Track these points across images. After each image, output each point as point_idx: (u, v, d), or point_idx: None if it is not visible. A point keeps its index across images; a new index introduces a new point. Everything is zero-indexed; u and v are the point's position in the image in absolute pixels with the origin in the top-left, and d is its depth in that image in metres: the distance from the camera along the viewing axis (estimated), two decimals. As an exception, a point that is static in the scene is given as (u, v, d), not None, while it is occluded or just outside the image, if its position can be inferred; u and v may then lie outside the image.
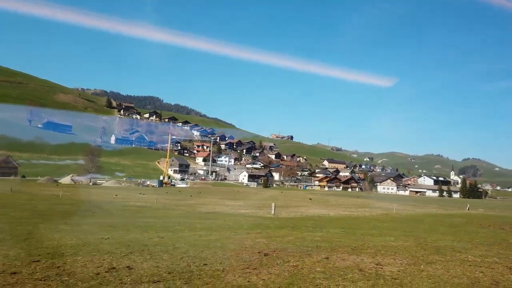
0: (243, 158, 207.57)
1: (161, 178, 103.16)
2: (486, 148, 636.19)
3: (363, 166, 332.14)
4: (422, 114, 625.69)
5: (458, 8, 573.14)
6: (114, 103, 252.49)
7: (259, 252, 10.69)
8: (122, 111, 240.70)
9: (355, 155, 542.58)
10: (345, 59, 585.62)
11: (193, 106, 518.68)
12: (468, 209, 43.72)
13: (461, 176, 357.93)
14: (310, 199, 55.98)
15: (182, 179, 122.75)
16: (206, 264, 8.59)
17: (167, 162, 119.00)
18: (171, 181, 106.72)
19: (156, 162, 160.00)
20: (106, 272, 7.58)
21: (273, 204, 28.20)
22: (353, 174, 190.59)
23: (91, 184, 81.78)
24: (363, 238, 14.84)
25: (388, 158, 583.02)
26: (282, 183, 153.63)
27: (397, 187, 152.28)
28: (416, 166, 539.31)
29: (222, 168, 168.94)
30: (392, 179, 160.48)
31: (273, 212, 26.60)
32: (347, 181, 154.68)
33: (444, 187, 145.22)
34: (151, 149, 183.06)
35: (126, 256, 9.19)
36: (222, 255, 9.84)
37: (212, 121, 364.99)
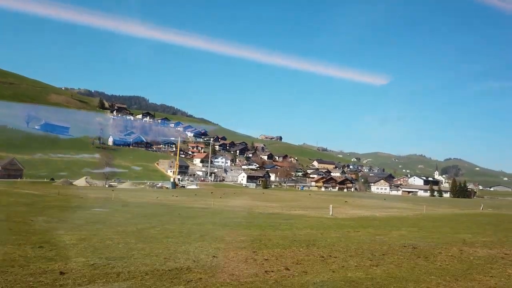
0: (237, 159, 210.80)
1: (172, 180, 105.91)
2: (466, 148, 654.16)
3: (351, 167, 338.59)
4: (404, 115, 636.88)
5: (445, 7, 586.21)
6: (106, 104, 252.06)
7: (404, 246, 14.40)
8: (115, 112, 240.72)
9: (340, 155, 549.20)
10: (335, 57, 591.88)
11: (179, 106, 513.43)
12: (482, 209, 48.34)
13: (443, 176, 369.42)
14: (345, 201, 59.66)
15: (192, 181, 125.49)
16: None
17: (177, 164, 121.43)
18: (180, 183, 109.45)
19: (155, 164, 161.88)
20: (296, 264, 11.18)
21: (331, 205, 31.91)
22: (345, 175, 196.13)
23: (107, 186, 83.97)
24: (453, 236, 18.66)
25: (373, 158, 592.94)
26: (280, 184, 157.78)
27: (390, 187, 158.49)
28: (400, 166, 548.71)
29: (219, 169, 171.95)
30: (384, 179, 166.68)
31: (331, 213, 30.23)
32: (342, 182, 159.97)
33: (435, 187, 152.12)
34: (148, 150, 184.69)
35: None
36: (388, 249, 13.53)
37: (200, 121, 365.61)
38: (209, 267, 9.22)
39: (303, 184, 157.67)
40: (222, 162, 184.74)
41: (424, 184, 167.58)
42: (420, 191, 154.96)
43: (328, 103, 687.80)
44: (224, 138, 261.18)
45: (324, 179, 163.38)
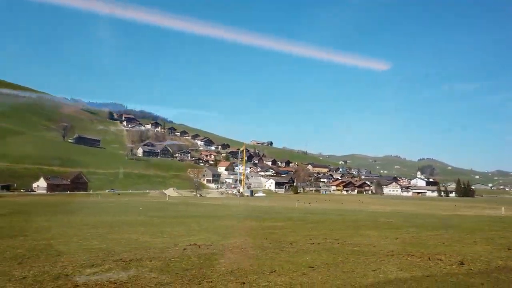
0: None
1: (249, 188, 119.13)
2: (437, 148, 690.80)
3: (340, 169, 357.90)
4: (377, 116, 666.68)
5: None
6: (115, 115, 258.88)
7: None
8: (125, 123, 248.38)
9: (321, 158, 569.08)
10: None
11: (159, 113, 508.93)
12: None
13: (423, 175, 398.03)
14: (455, 205, 74.91)
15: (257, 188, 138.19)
16: None
17: (243, 174, 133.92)
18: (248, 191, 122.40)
19: (188, 172, 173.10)
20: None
21: (503, 207, 47.31)
22: (355, 179, 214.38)
23: (198, 195, 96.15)
24: None
25: (351, 160, 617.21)
26: (303, 188, 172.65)
27: (401, 189, 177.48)
28: (377, 167, 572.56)
29: (239, 177, 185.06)
30: (396, 182, 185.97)
31: (503, 212, 45.30)
32: (361, 185, 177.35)
33: (442, 187, 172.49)
34: (174, 159, 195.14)
35: None
36: None
37: (182, 127, 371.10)
38: None
39: (325, 188, 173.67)
40: (242, 170, 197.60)
41: (426, 185, 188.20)
42: (428, 191, 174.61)
43: (301, 105, 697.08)
44: (227, 146, 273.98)
45: (344, 183, 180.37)
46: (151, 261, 10.44)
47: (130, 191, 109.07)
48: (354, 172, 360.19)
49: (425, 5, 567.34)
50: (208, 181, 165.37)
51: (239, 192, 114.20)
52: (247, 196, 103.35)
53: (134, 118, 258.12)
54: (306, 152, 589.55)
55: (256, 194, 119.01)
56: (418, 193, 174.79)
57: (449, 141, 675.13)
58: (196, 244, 13.64)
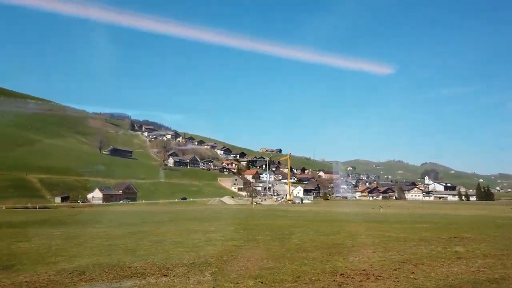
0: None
1: (298, 196, 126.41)
2: (439, 152, 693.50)
3: (349, 175, 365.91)
4: (378, 121, 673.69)
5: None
6: (135, 126, 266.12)
7: None
8: (146, 133, 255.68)
9: (325, 164, 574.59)
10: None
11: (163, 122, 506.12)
12: None
13: (430, 179, 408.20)
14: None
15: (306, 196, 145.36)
16: None
17: (289, 183, 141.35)
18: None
19: (218, 181, 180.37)
20: None
21: None
22: (375, 184, 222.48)
23: (255, 203, 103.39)
24: None
25: (354, 166, 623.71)
26: (329, 195, 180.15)
27: (423, 194, 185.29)
28: (381, 172, 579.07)
29: (267, 184, 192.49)
30: (417, 187, 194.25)
31: None
32: (385, 191, 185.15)
33: (462, 191, 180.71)
34: (202, 169, 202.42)
35: None
36: None
37: (199, 137, 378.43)
38: None
39: (350, 195, 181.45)
40: (266, 178, 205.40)
41: (444, 189, 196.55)
42: (449, 196, 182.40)
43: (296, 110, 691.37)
44: (244, 154, 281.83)
45: (369, 189, 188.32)
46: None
47: (176, 200, 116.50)
48: (363, 178, 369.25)
49: (428, 7, 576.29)
50: (239, 189, 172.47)
51: (287, 200, 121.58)
52: (298, 203, 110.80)
53: (153, 129, 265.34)
54: (310, 158, 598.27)
55: (304, 201, 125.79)
56: (439, 197, 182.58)
57: (451, 144, 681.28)
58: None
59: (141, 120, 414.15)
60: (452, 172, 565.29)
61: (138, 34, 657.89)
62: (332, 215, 51.01)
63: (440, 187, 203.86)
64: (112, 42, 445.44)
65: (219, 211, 59.22)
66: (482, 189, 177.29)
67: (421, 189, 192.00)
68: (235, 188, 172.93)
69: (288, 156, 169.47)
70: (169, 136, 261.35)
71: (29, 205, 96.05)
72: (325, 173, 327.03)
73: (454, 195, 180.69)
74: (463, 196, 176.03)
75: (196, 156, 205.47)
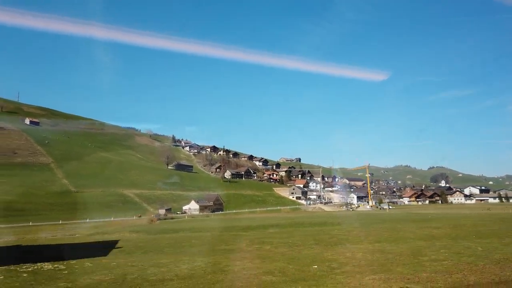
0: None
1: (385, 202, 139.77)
2: (445, 155, 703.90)
3: (375, 182, 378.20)
4: (382, 127, 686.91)
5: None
6: (176, 141, 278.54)
7: None
8: (188, 148, 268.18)
9: (338, 170, 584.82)
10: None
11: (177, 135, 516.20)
12: None
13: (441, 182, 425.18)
14: None
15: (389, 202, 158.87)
16: None
17: (369, 191, 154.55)
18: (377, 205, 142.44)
19: (275, 191, 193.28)
20: None
21: None
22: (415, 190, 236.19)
23: (351, 210, 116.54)
24: None
25: (363, 172, 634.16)
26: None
27: (464, 198, 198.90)
28: (390, 178, 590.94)
29: (321, 193, 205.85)
30: (458, 191, 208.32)
31: None
32: (431, 196, 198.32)
33: (502, 193, 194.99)
34: (254, 180, 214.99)
35: None
36: None
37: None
38: None
39: (399, 200, 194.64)
40: (313, 186, 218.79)
41: (480, 192, 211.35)
42: (489, 199, 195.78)
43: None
44: (279, 165, 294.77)
45: (417, 194, 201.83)
46: None
47: (265, 208, 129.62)
48: (383, 184, 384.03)
49: (417, 12, 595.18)
50: (297, 198, 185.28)
51: (374, 206, 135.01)
52: (386, 208, 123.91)
53: (194, 144, 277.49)
54: (319, 165, 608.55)
55: (385, 207, 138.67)
56: (481, 200, 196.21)
57: (454, 148, 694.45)
58: None
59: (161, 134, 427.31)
60: (460, 175, 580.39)
61: (138, 50, 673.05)
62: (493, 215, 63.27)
63: (475, 190, 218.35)
64: (111, 56, 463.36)
65: (349, 216, 71.91)
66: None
67: (463, 193, 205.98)
68: (293, 197, 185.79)
69: (366, 166, 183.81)
70: (208, 150, 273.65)
71: (153, 216, 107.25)
72: (349, 180, 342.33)
73: (494, 198, 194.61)
74: (503, 198, 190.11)
75: (249, 168, 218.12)
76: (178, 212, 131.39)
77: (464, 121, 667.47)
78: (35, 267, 19.25)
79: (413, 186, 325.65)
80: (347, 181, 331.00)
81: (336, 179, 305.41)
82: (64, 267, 19.23)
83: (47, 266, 19.47)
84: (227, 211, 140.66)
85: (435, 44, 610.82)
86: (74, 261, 21.05)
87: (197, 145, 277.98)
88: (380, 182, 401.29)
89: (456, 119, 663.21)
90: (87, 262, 20.80)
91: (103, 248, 29.62)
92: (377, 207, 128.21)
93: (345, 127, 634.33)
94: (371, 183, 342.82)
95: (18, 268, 18.75)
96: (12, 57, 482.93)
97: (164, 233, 47.66)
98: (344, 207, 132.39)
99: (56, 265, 19.67)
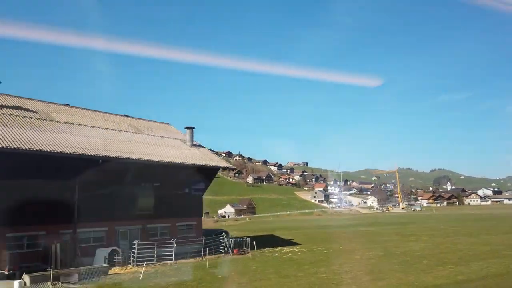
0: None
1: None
2: (446, 157, 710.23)
3: (382, 185, 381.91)
4: (381, 130, 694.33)
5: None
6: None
7: None
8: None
9: (341, 175, 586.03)
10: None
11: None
12: None
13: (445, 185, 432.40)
14: None
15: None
16: None
17: (399, 193, 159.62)
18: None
19: (298, 194, 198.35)
20: None
21: None
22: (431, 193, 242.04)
23: (387, 211, 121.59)
24: None
25: (366, 175, 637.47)
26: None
27: (480, 199, 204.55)
28: (393, 181, 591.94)
29: (341, 196, 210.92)
30: (474, 192, 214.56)
31: None
32: (449, 198, 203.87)
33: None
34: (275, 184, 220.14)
35: None
36: None
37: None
38: None
39: (418, 202, 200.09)
40: (332, 190, 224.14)
41: (493, 194, 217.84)
42: (505, 200, 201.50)
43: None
44: (293, 170, 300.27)
45: (434, 196, 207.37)
46: None
47: (288, 212, 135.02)
48: (390, 187, 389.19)
49: (413, 18, 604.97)
50: (320, 201, 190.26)
51: (405, 208, 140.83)
52: (419, 210, 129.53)
53: (210, 149, 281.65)
54: (321, 169, 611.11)
55: (415, 207, 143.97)
56: (496, 201, 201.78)
57: (454, 150, 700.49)
58: None
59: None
60: (462, 177, 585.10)
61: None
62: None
63: (489, 192, 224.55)
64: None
65: (413, 216, 77.21)
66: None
67: (479, 195, 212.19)
68: (315, 200, 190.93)
69: (396, 170, 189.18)
70: (223, 155, 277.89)
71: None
72: (359, 183, 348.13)
73: (509, 199, 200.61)
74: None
75: (270, 173, 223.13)
76: (214, 216, 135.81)
77: (461, 124, 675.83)
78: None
79: (420, 189, 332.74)
80: (356, 185, 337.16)
81: (347, 183, 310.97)
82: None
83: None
84: (260, 214, 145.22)
85: (435, 44, 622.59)
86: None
87: (212, 150, 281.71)
88: (387, 185, 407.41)
89: (453, 122, 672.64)
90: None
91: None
92: (411, 209, 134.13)
93: (347, 131, 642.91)
94: (379, 186, 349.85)
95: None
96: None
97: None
98: (379, 209, 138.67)
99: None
